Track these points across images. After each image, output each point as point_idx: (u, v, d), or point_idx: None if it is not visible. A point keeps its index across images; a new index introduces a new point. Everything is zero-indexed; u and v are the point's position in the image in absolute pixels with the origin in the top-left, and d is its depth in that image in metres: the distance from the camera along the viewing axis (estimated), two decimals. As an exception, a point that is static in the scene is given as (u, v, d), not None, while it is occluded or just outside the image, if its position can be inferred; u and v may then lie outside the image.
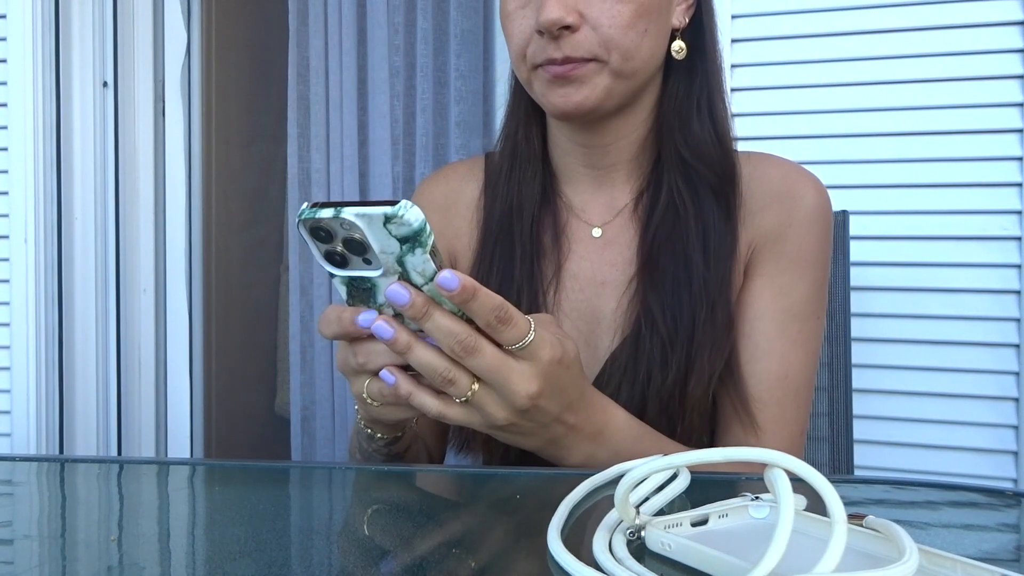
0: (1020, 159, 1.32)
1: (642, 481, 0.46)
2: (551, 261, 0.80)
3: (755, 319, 0.77)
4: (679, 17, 0.77)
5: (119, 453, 1.85)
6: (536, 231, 0.80)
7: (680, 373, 0.73)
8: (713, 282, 0.75)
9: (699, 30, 0.79)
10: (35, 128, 1.69)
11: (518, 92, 0.83)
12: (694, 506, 0.45)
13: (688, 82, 0.79)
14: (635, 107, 0.78)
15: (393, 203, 0.47)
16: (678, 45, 0.77)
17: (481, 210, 0.85)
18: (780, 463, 0.39)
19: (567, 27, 0.69)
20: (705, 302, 0.74)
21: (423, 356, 0.53)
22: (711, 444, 0.79)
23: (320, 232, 0.49)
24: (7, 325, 1.70)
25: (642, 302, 0.76)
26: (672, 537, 0.42)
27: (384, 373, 0.55)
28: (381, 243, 0.49)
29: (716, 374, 0.74)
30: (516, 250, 0.79)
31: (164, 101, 1.89)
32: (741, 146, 0.82)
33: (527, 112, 0.82)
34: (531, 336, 0.54)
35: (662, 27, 0.75)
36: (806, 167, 0.81)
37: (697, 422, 0.74)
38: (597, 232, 0.81)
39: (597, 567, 0.39)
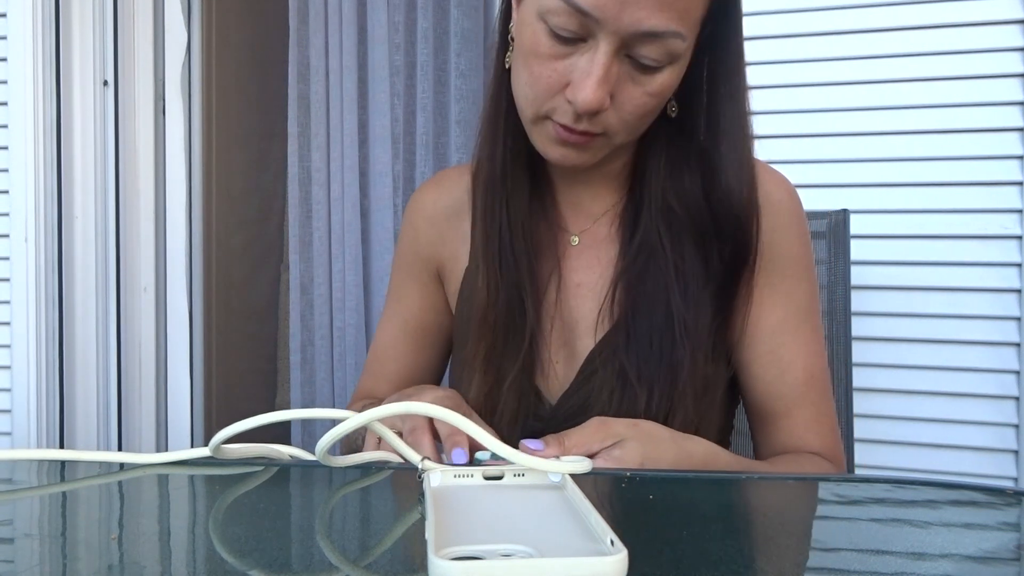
0: (1020, 157, 1.32)
1: None
2: (541, 269, 0.81)
3: (773, 334, 0.78)
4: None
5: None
6: (526, 240, 0.80)
7: (666, 387, 0.73)
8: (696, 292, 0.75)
9: (695, 83, 0.74)
10: (35, 127, 1.69)
11: (504, 103, 0.79)
12: None
13: (673, 134, 0.77)
14: None
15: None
16: (671, 105, 0.75)
17: (471, 217, 0.85)
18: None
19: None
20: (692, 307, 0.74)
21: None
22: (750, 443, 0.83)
23: None
24: (7, 324, 1.70)
25: (622, 302, 0.76)
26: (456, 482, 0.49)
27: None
28: None
29: (708, 383, 0.75)
30: (511, 260, 0.79)
31: (164, 100, 1.89)
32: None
33: (517, 125, 0.78)
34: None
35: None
36: (798, 166, 0.81)
37: (695, 416, 0.74)
38: (575, 240, 0.83)
39: None
